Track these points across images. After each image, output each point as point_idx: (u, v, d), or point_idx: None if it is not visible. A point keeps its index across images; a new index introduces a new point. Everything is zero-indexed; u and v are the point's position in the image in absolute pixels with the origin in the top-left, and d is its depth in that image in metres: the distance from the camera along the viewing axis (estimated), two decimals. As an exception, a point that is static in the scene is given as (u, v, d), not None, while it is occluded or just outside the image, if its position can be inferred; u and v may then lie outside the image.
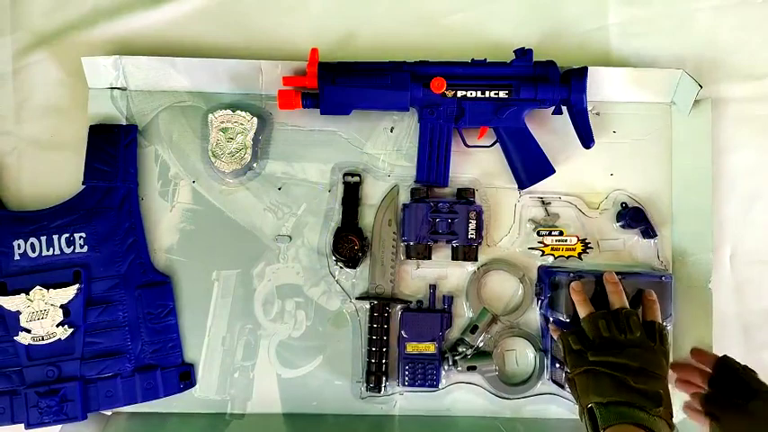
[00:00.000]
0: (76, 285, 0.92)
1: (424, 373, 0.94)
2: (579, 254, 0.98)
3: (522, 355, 0.98)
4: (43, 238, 0.93)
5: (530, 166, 0.96)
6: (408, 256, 0.97)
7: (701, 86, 0.95)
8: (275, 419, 0.96)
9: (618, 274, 0.91)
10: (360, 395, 0.97)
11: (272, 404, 0.97)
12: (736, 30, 1.03)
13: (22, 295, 0.91)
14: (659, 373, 0.76)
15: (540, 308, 0.97)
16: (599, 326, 0.81)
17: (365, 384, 0.95)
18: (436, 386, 0.95)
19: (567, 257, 0.98)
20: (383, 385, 0.95)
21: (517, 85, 0.93)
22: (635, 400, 0.74)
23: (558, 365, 0.94)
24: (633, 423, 0.71)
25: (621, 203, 0.99)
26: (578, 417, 0.79)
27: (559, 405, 0.97)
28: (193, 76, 0.98)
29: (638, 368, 0.76)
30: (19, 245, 0.93)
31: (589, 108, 0.96)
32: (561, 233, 0.98)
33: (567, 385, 0.86)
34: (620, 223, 0.98)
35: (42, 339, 0.91)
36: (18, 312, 0.91)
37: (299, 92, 0.95)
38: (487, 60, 0.95)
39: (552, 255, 0.98)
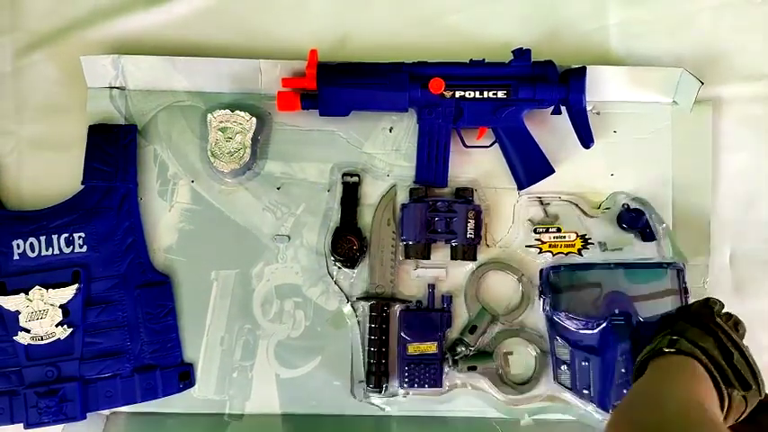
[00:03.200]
0: (76, 285, 0.92)
1: (426, 374, 0.94)
2: (579, 250, 0.97)
3: (523, 356, 0.98)
4: (42, 238, 0.93)
5: (529, 166, 0.96)
6: (407, 256, 0.97)
7: (702, 83, 0.95)
8: (274, 420, 0.96)
9: (620, 265, 0.91)
10: (359, 395, 0.97)
11: (271, 404, 0.96)
12: (737, 30, 1.03)
13: (22, 295, 0.91)
14: (760, 383, 0.72)
15: (544, 309, 0.96)
16: (731, 315, 0.79)
17: (365, 384, 0.95)
18: (438, 386, 0.95)
19: (567, 254, 0.97)
20: (383, 385, 0.95)
21: (515, 86, 0.93)
22: (723, 365, 0.71)
23: (563, 366, 0.93)
24: (707, 370, 0.69)
25: (623, 204, 0.98)
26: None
27: (560, 406, 0.97)
28: (192, 76, 0.98)
29: (745, 355, 0.73)
30: (18, 245, 0.93)
31: (589, 108, 0.96)
32: (559, 230, 0.97)
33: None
34: (620, 224, 0.98)
35: (41, 339, 0.91)
36: (17, 312, 0.91)
37: (297, 93, 0.95)
38: (486, 60, 0.95)
39: (550, 252, 0.97)
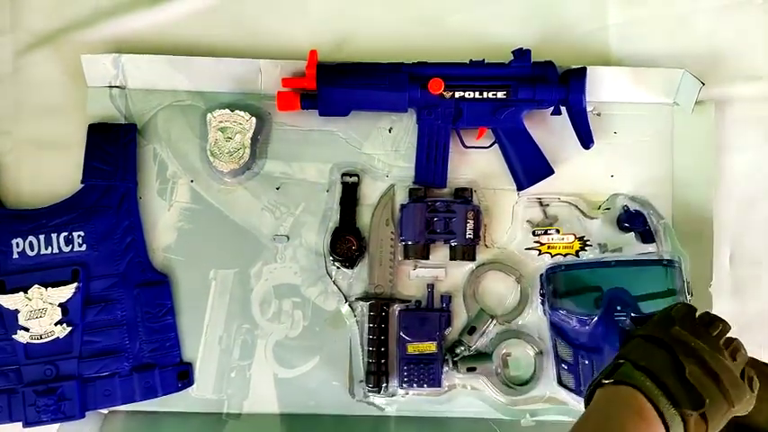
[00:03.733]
0: (75, 284, 0.92)
1: (425, 373, 0.94)
2: (577, 251, 0.97)
3: (523, 357, 0.98)
4: (42, 237, 0.93)
5: (528, 166, 0.96)
6: (406, 256, 0.97)
7: (703, 84, 0.95)
8: (272, 419, 0.96)
9: (619, 262, 0.89)
10: (358, 395, 0.97)
11: (269, 404, 0.96)
12: (737, 30, 1.02)
13: (21, 294, 0.91)
14: (727, 392, 0.62)
15: (545, 311, 0.95)
16: (704, 317, 0.68)
17: (364, 384, 0.95)
18: (437, 386, 0.95)
19: (565, 255, 0.97)
20: (382, 385, 0.94)
21: (515, 86, 0.93)
22: (670, 384, 0.61)
23: (565, 366, 0.93)
24: (646, 397, 0.60)
25: (623, 206, 0.98)
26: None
27: (559, 407, 0.97)
28: (192, 76, 0.98)
29: (708, 366, 0.62)
30: (17, 243, 0.93)
31: (590, 109, 0.96)
32: (557, 232, 0.97)
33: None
34: (620, 226, 0.97)
35: (40, 338, 0.91)
36: (16, 311, 0.91)
37: (297, 93, 0.95)
38: (486, 61, 0.95)
39: (549, 253, 0.97)
